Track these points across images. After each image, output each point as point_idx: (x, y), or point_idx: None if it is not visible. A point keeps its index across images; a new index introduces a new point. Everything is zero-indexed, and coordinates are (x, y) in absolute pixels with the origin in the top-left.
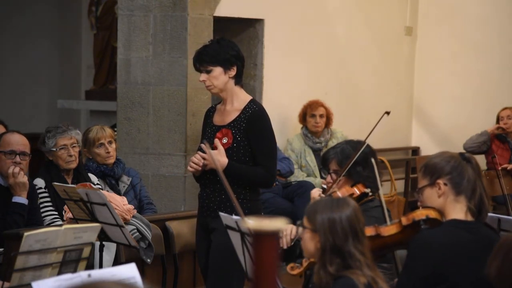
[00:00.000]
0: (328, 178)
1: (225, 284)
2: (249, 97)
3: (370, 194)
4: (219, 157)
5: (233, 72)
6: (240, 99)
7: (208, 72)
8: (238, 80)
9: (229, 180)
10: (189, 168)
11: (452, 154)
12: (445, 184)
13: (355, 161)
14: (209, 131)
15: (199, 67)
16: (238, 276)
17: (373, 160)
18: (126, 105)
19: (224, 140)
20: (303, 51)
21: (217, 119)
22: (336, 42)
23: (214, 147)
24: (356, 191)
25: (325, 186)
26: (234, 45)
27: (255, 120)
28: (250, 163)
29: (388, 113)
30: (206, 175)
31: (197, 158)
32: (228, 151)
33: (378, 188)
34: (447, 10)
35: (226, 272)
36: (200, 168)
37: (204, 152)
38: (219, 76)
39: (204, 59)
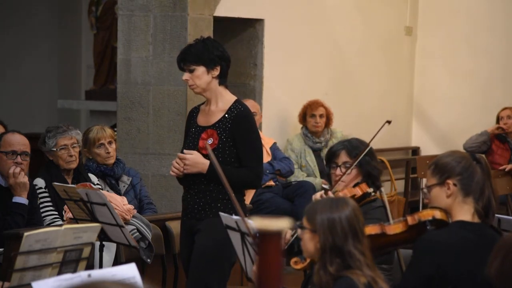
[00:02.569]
0: (338, 171)
1: (204, 286)
2: (234, 98)
3: (373, 194)
4: (199, 160)
5: (216, 72)
6: (225, 99)
7: (191, 71)
8: (223, 80)
9: (213, 182)
10: (170, 172)
11: (463, 154)
12: (454, 185)
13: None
14: (194, 132)
15: (183, 66)
16: (218, 279)
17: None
18: (126, 105)
19: (210, 141)
20: (303, 51)
21: (202, 120)
22: (336, 42)
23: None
24: (359, 191)
25: (325, 186)
26: (219, 45)
27: (240, 120)
28: (235, 164)
29: (389, 122)
30: (189, 177)
31: (177, 162)
32: (214, 152)
33: (380, 183)
34: (447, 10)
35: (206, 274)
36: (181, 173)
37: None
38: (202, 76)
39: (187, 59)
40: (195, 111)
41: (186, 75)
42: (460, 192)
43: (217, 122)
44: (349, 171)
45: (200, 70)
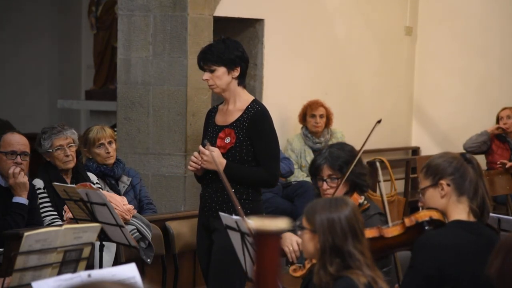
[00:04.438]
0: (324, 186)
1: (227, 284)
2: (251, 97)
3: (365, 202)
4: (218, 159)
5: (236, 73)
6: (242, 99)
7: (212, 71)
8: (241, 80)
9: (231, 181)
10: (189, 167)
11: (454, 154)
12: (448, 185)
13: (345, 160)
14: (211, 131)
15: (203, 65)
16: (240, 277)
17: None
18: (126, 105)
19: (227, 140)
20: (303, 51)
21: (219, 119)
22: (336, 42)
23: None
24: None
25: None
26: (240, 46)
27: (257, 119)
28: (252, 163)
29: (379, 121)
30: (207, 175)
31: (195, 156)
32: (231, 150)
33: (367, 188)
34: (447, 10)
35: (228, 272)
36: (199, 167)
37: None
38: (222, 76)
39: (209, 58)
40: (213, 110)
41: (206, 75)
42: (454, 192)
43: (234, 121)
44: (338, 187)
45: (221, 70)
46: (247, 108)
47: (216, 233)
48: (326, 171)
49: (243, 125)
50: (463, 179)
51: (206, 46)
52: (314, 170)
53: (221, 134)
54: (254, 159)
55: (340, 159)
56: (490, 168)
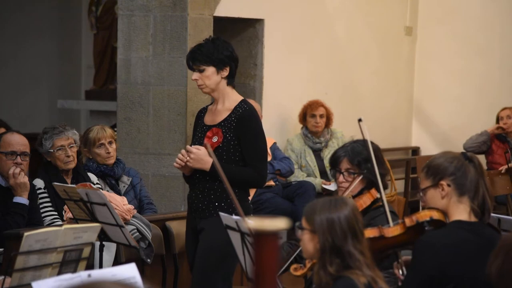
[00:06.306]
0: (340, 178)
1: (209, 285)
2: (240, 97)
3: None
4: (204, 157)
5: (225, 72)
6: (231, 99)
7: (201, 71)
8: (231, 80)
9: (218, 181)
10: (174, 164)
11: (455, 154)
12: (448, 185)
13: (365, 158)
14: (200, 131)
15: (192, 65)
16: (223, 278)
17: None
18: (126, 105)
19: (214, 139)
20: (303, 51)
21: (208, 119)
22: (336, 42)
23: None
24: (370, 198)
25: (325, 186)
26: (229, 46)
27: (245, 119)
28: (240, 163)
29: (360, 120)
30: (194, 176)
31: (183, 154)
32: (218, 150)
33: (386, 187)
34: (447, 10)
35: (211, 273)
36: (184, 164)
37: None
38: (212, 76)
39: (198, 58)
40: (203, 111)
41: (195, 75)
42: (454, 192)
43: (222, 121)
44: (352, 185)
45: (210, 70)
46: (235, 108)
47: (201, 234)
48: (344, 164)
49: (231, 125)
50: (464, 179)
51: (195, 46)
52: (334, 161)
53: (208, 133)
54: (241, 160)
55: (360, 155)
56: (490, 168)
